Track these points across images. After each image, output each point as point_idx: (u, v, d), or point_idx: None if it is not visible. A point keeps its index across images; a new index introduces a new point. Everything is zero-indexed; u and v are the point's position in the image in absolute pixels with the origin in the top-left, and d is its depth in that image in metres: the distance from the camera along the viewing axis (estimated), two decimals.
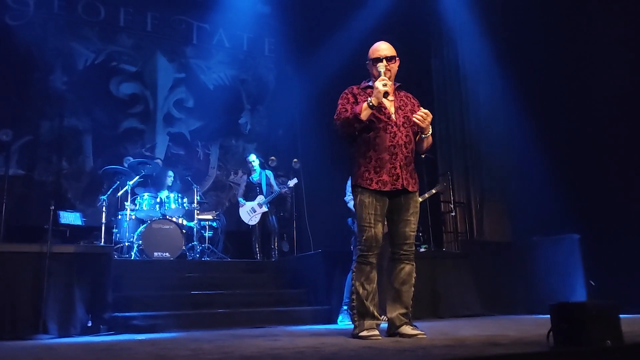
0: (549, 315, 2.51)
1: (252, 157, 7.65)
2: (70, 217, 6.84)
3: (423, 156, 6.22)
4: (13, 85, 7.70)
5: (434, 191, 5.74)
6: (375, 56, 3.43)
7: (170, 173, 7.47)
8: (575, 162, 6.67)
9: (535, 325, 3.81)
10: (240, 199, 7.57)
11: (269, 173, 7.66)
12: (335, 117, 3.37)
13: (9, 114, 7.47)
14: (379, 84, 3.23)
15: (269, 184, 7.55)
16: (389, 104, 3.38)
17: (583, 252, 5.85)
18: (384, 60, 3.39)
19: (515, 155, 7.58)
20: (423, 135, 3.38)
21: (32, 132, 7.80)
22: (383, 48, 3.45)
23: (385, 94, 3.24)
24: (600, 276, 5.64)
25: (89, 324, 4.39)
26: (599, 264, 5.68)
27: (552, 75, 7.02)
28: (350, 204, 4.92)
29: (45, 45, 8.06)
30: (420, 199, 3.81)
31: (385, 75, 3.31)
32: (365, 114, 3.25)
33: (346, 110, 3.33)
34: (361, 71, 3.65)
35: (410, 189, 3.34)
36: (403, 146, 3.33)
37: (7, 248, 4.42)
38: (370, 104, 3.25)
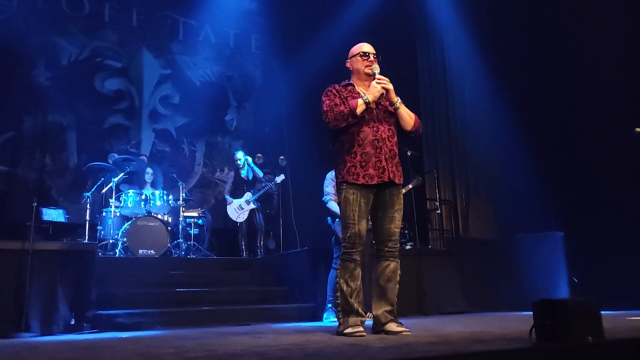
0: (532, 312, 2.53)
1: (239, 155, 7.61)
2: (54, 214, 6.75)
3: (409, 153, 6.33)
4: None
5: (410, 186, 5.76)
6: (364, 50, 3.48)
7: (149, 170, 7.38)
8: (558, 159, 6.76)
9: (518, 322, 3.85)
10: (227, 197, 7.53)
11: (256, 169, 7.62)
12: (326, 109, 3.36)
13: None
14: (376, 85, 3.30)
15: (256, 179, 7.51)
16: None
17: (566, 249, 5.93)
18: (375, 58, 3.45)
19: (500, 153, 7.66)
20: (395, 107, 3.40)
21: (14, 128, 7.68)
22: (369, 46, 3.52)
23: (381, 95, 3.32)
24: (583, 273, 5.72)
25: (72, 322, 4.35)
26: (581, 261, 5.76)
27: (536, 74, 7.10)
28: (329, 204, 4.93)
29: (29, 40, 7.95)
30: None
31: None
32: (360, 109, 3.30)
33: (337, 105, 3.34)
34: (347, 70, 3.66)
35: (397, 181, 3.37)
36: (387, 139, 3.37)
37: None
38: (367, 100, 3.30)
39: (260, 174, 7.51)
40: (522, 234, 6.41)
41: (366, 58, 3.46)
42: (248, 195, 7.41)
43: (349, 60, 3.55)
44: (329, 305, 4.86)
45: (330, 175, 4.97)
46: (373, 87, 3.33)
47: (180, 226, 7.17)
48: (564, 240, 5.98)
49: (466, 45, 7.97)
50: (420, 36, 8.66)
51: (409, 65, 8.38)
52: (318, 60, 8.04)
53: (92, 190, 6.93)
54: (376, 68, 3.41)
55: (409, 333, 3.18)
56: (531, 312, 2.54)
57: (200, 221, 7.55)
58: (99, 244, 6.44)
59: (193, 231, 7.37)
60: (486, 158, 7.93)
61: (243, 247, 7.39)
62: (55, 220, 6.74)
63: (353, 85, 3.51)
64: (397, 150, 3.44)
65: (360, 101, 3.30)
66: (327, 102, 3.39)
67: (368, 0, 8.00)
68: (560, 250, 5.95)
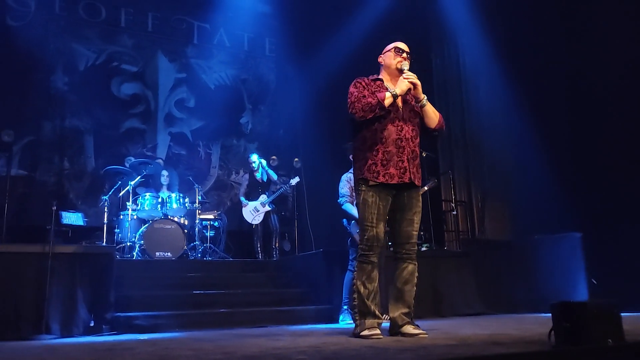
0: (550, 314, 2.51)
1: (254, 158, 7.66)
2: (72, 218, 6.85)
3: (424, 155, 6.30)
4: (14, 86, 7.69)
5: (425, 188, 5.74)
6: (399, 46, 3.52)
7: (164, 172, 7.47)
8: (577, 159, 6.68)
9: (536, 324, 3.81)
10: (242, 198, 7.58)
11: (271, 172, 7.67)
12: (353, 100, 3.36)
13: (11, 114, 7.48)
14: (405, 79, 3.34)
15: (271, 182, 7.55)
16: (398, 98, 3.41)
17: (585, 250, 5.84)
18: (407, 56, 3.48)
19: (516, 153, 7.58)
20: (422, 104, 3.42)
21: (33, 133, 7.81)
22: (405, 45, 3.56)
23: (409, 90, 3.35)
24: (602, 274, 5.64)
25: (92, 324, 4.40)
26: (600, 262, 5.68)
27: (554, 73, 7.03)
28: (345, 206, 4.93)
29: (47, 45, 8.08)
30: None
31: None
32: (388, 101, 3.31)
33: (365, 97, 3.35)
34: (362, 70, 3.68)
35: (417, 182, 3.38)
36: (410, 140, 3.38)
37: (9, 249, 4.42)
38: (394, 93, 3.32)
39: (274, 176, 7.54)
40: (539, 235, 6.33)
41: (399, 54, 3.49)
42: (263, 198, 7.45)
43: (382, 55, 3.58)
44: (345, 307, 4.87)
45: (346, 177, 4.97)
46: (401, 81, 3.37)
47: (197, 228, 7.22)
48: (582, 241, 5.90)
49: (481, 46, 7.91)
50: (434, 36, 8.62)
51: (422, 65, 8.33)
52: (332, 62, 8.07)
53: (110, 193, 7.02)
54: (405, 64, 3.44)
55: (426, 335, 3.17)
56: (549, 314, 2.52)
57: (216, 223, 7.60)
58: (117, 247, 6.51)
59: (209, 233, 7.42)
60: (502, 158, 7.86)
61: (259, 249, 7.43)
62: (74, 223, 6.84)
63: (382, 81, 3.52)
64: (418, 152, 3.45)
65: (387, 94, 3.31)
66: (355, 92, 3.40)
67: (382, 3, 7.99)
68: (578, 252, 5.87)
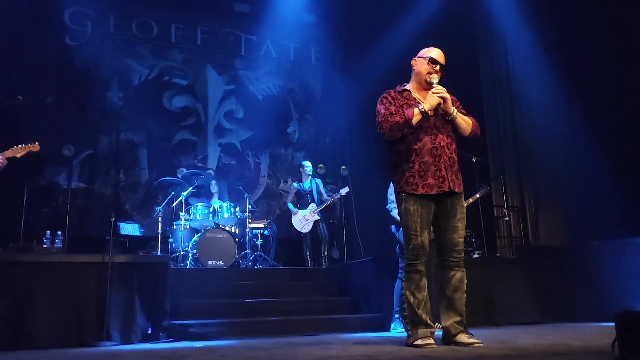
0: (613, 324, 2.41)
1: (307, 163, 7.76)
2: (130, 228, 7.10)
3: (474, 160, 6.19)
4: (74, 103, 8.10)
5: (477, 196, 5.63)
6: (434, 56, 3.42)
7: (212, 182, 7.64)
8: (637, 160, 6.38)
9: (598, 334, 3.66)
10: (290, 205, 7.65)
11: (318, 181, 7.73)
12: (380, 119, 3.34)
13: (71, 130, 7.85)
14: (433, 95, 3.26)
15: (318, 192, 7.62)
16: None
17: None
18: (439, 69, 3.40)
19: (571, 156, 7.33)
20: (452, 117, 3.34)
21: (91, 147, 8.15)
22: (441, 54, 3.45)
23: (438, 105, 3.28)
24: None
25: (149, 332, 4.54)
26: None
27: (610, 72, 6.77)
28: (394, 212, 4.89)
29: (102, 63, 8.44)
30: (465, 204, 3.76)
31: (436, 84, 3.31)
32: (416, 119, 3.26)
33: (392, 114, 3.31)
34: (408, 77, 3.63)
35: (457, 190, 3.31)
36: (445, 147, 3.31)
37: (72, 259, 4.63)
38: (423, 110, 3.26)
39: (324, 194, 7.61)
40: (598, 241, 6.08)
41: (432, 65, 3.40)
42: (312, 206, 7.50)
43: (415, 58, 3.50)
44: (396, 315, 4.82)
45: None
46: (430, 97, 3.29)
47: (247, 237, 7.33)
48: None
49: (530, 44, 7.71)
50: (481, 36, 8.47)
51: (470, 69, 8.22)
52: (377, 68, 8.03)
53: (163, 204, 7.23)
54: (434, 78, 3.36)
55: (481, 345, 3.11)
56: (611, 324, 2.42)
57: (266, 232, 7.70)
58: (171, 256, 6.68)
59: (259, 242, 7.52)
60: (556, 161, 7.62)
61: (308, 257, 7.48)
62: (132, 234, 7.09)
63: (409, 92, 3.47)
64: (456, 158, 3.37)
65: (416, 110, 3.26)
66: (382, 111, 3.36)
67: (428, 6, 7.92)
68: None
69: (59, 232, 5.15)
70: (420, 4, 8.04)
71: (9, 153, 3.97)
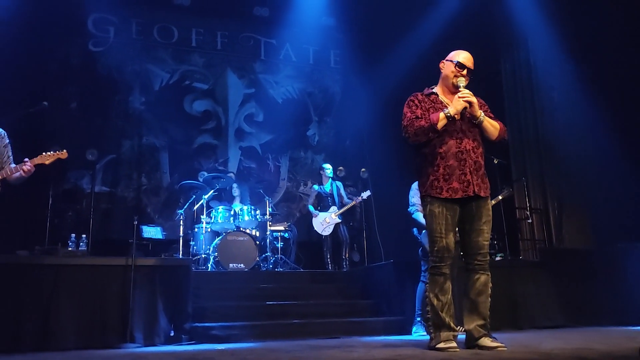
0: (639, 328, 2.36)
1: (328, 165, 7.78)
2: (152, 232, 7.19)
3: (496, 162, 6.13)
4: (97, 108, 8.24)
5: (500, 197, 5.57)
6: (461, 60, 3.39)
7: (234, 185, 7.68)
8: None
9: (625, 338, 3.60)
10: (311, 207, 7.66)
11: (339, 184, 7.74)
12: (406, 123, 3.33)
13: (94, 134, 7.99)
14: (460, 99, 3.24)
15: (339, 195, 7.62)
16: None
17: None
18: (467, 73, 3.38)
19: (595, 156, 7.20)
20: (479, 121, 3.32)
21: (114, 151, 8.28)
22: (470, 58, 3.43)
23: (464, 109, 3.25)
24: None
25: (172, 334, 4.57)
26: None
27: (635, 72, 6.64)
28: (415, 215, 4.86)
29: (125, 68, 8.57)
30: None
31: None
32: (441, 124, 3.24)
33: (418, 118, 3.30)
34: (428, 79, 3.63)
35: (482, 194, 3.27)
36: (471, 151, 3.28)
37: (96, 261, 4.70)
38: (448, 114, 3.24)
39: (345, 197, 7.61)
40: (624, 243, 5.97)
41: (460, 70, 3.38)
42: (334, 209, 7.51)
43: (444, 61, 3.48)
44: (418, 318, 4.80)
45: (416, 185, 4.90)
46: (456, 101, 3.27)
47: (268, 240, 7.36)
48: None
49: (553, 48, 7.61)
50: (503, 38, 8.37)
51: (492, 71, 8.13)
52: (397, 71, 8.01)
53: (185, 207, 7.30)
54: (461, 81, 3.34)
55: (505, 349, 3.07)
56: (637, 328, 2.38)
57: (286, 235, 7.71)
58: (193, 259, 6.74)
59: (279, 245, 7.55)
60: (579, 162, 7.49)
61: (328, 259, 7.48)
62: (154, 237, 7.17)
63: (436, 95, 3.46)
64: (482, 162, 3.34)
65: (441, 115, 3.24)
66: (409, 114, 3.35)
67: (448, 8, 7.86)
68: None
69: (83, 235, 5.22)
70: (440, 5, 7.98)
71: (37, 160, 4.04)
